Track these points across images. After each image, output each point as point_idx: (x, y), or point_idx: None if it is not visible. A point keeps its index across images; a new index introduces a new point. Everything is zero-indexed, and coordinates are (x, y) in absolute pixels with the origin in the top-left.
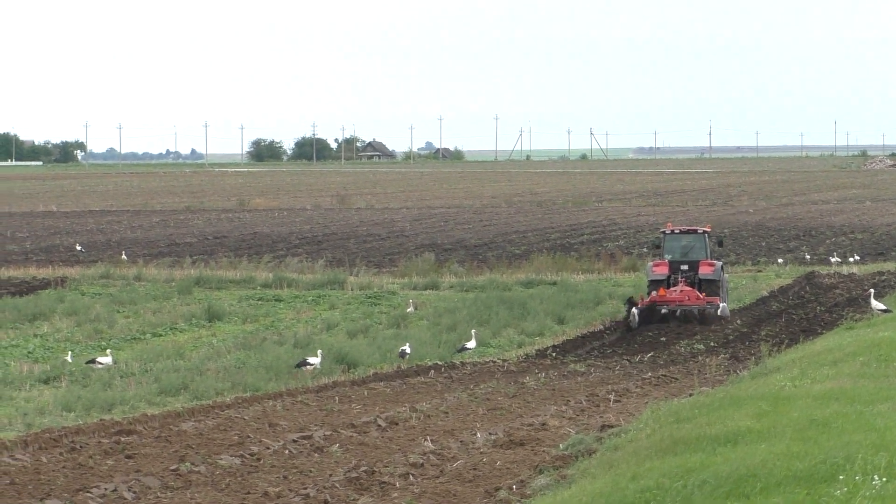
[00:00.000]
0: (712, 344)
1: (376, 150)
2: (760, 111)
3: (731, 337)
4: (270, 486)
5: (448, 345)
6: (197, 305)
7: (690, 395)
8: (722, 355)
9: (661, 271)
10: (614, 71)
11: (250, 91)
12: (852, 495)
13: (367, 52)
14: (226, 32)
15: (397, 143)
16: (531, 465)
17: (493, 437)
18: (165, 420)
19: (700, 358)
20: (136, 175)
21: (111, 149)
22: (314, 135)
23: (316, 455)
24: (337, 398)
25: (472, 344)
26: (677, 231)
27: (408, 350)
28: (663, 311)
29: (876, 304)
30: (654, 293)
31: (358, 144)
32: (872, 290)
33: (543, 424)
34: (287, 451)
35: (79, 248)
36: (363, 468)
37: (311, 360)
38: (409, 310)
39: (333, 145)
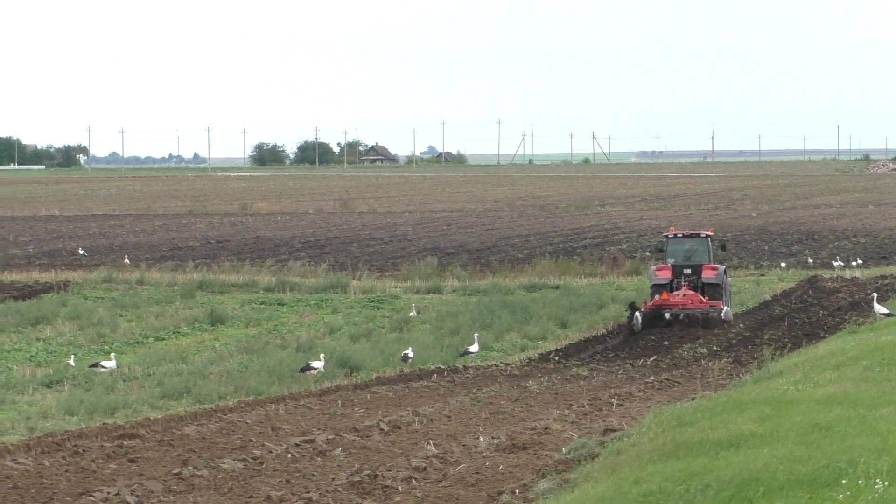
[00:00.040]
0: (715, 348)
1: (379, 154)
2: (763, 115)
3: (733, 341)
4: (273, 490)
5: (451, 349)
6: (200, 309)
7: (693, 398)
8: (725, 359)
9: (664, 275)
10: (617, 75)
11: (253, 95)
12: (855, 499)
13: (370, 56)
14: (228, 36)
15: (400, 147)
16: (534, 469)
17: (495, 441)
18: (168, 424)
19: (703, 362)
20: (139, 179)
21: (114, 153)
22: (317, 139)
23: (318, 459)
24: (340, 402)
25: (474, 348)
26: (680, 235)
27: (410, 354)
28: (667, 315)
29: (879, 308)
30: (657, 297)
31: (360, 148)
32: (875, 294)
33: (546, 428)
34: (290, 455)
35: (81, 252)
36: (366, 472)
37: (315, 364)
38: (411, 314)
39: (336, 149)
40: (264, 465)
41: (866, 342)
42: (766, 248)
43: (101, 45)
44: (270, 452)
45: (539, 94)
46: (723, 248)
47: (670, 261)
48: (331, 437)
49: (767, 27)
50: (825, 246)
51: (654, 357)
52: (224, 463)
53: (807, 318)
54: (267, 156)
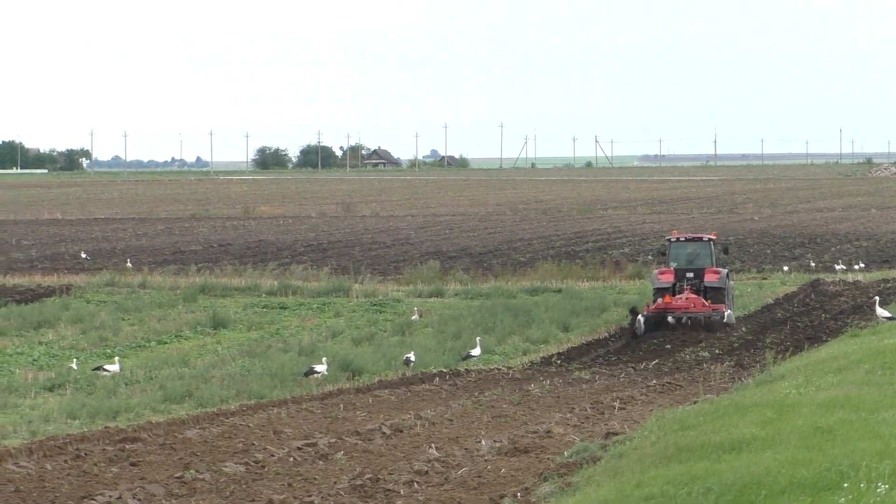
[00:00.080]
0: (717, 351)
1: (381, 158)
2: (765, 119)
3: (735, 344)
4: (275, 493)
5: (453, 352)
6: (202, 313)
7: (695, 402)
8: (727, 363)
9: (667, 279)
10: (619, 78)
11: (255, 99)
12: (857, 503)
13: (373, 60)
14: (231, 41)
15: (402, 151)
16: (536, 472)
17: (497, 445)
18: (170, 427)
19: (705, 365)
20: (142, 183)
21: (116, 156)
22: (319, 142)
23: (320, 462)
24: (342, 405)
25: (476, 351)
26: (683, 239)
27: (412, 357)
28: (670, 319)
29: (881, 312)
30: (659, 300)
31: (363, 152)
32: (877, 298)
33: (548, 432)
34: (292, 459)
35: (84, 255)
36: (368, 476)
37: (318, 367)
38: (413, 317)
39: (338, 153)
40: (266, 469)
41: (868, 346)
42: (769, 251)
43: (103, 48)
44: (272, 456)
45: (541, 97)
46: (725, 251)
47: (673, 264)
48: (333, 440)
49: (770, 30)
50: (827, 249)
51: (656, 360)
52: (226, 466)
53: (809, 321)
54: (269, 159)
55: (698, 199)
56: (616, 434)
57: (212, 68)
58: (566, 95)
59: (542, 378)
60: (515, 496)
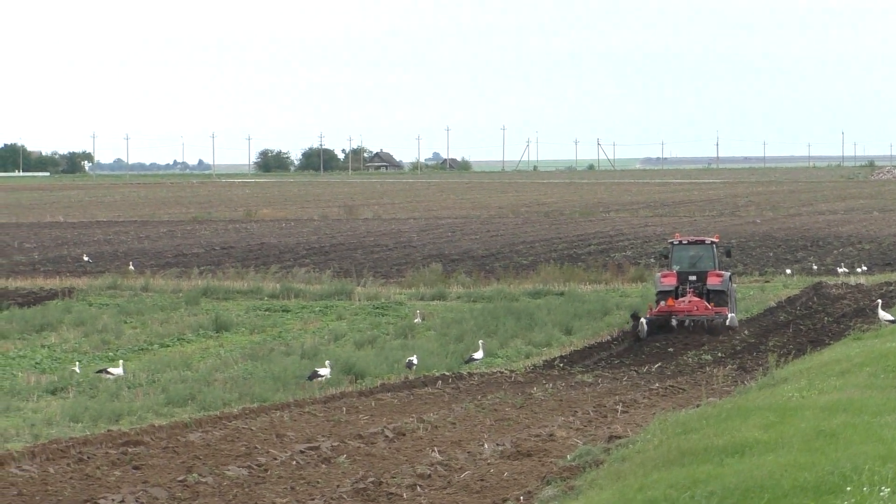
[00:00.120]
0: (720, 355)
1: (383, 161)
2: (768, 121)
3: (738, 347)
4: (278, 497)
5: (455, 355)
6: (204, 316)
7: (698, 405)
8: (729, 366)
9: (670, 282)
10: (622, 81)
11: (257, 101)
12: None
13: (375, 63)
14: (233, 43)
15: (404, 154)
16: (538, 476)
17: (500, 448)
18: (173, 431)
19: (707, 369)
20: (144, 186)
21: (118, 159)
22: (321, 145)
23: (323, 466)
24: (344, 409)
25: (479, 354)
26: (685, 242)
27: (415, 361)
28: (674, 322)
29: (883, 315)
30: (662, 303)
31: (365, 155)
32: (880, 301)
33: (551, 435)
34: (294, 462)
35: (86, 258)
36: (370, 479)
37: (322, 371)
38: (416, 320)
39: (341, 156)
40: (269, 472)
41: (871, 349)
42: (771, 254)
43: (105, 51)
44: (275, 459)
45: (543, 100)
46: (728, 254)
47: (675, 267)
48: (335, 444)
49: (772, 33)
50: (830, 252)
51: (659, 364)
52: (229, 470)
53: (811, 324)
54: (271, 162)
55: (700, 201)
56: (619, 437)
57: (214, 71)
58: (568, 98)
59: (544, 381)
60: (518, 500)
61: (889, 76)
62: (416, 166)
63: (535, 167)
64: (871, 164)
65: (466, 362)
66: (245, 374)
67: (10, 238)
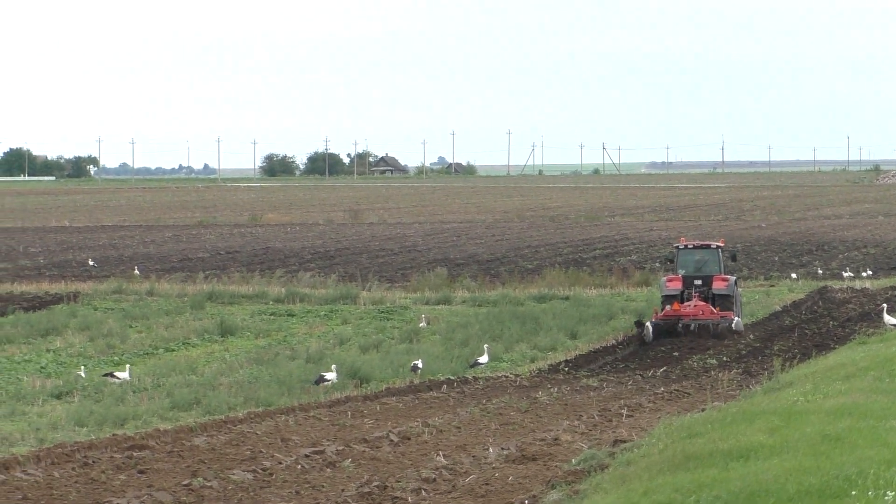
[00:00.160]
0: (725, 359)
1: (389, 165)
2: (773, 126)
3: (743, 352)
4: (283, 500)
5: (460, 360)
6: (209, 320)
7: (703, 410)
8: (734, 370)
9: (675, 286)
10: (627, 86)
11: (263, 106)
12: None
13: (380, 68)
14: (238, 48)
15: (410, 158)
16: (543, 480)
17: (505, 452)
18: (178, 435)
19: (713, 373)
20: (149, 190)
21: (124, 164)
22: (327, 150)
23: (328, 470)
24: (349, 413)
25: (484, 359)
26: (691, 246)
27: (420, 364)
28: (679, 327)
29: (889, 319)
30: (668, 307)
31: (370, 159)
32: (885, 305)
33: (556, 439)
34: (299, 466)
35: (91, 263)
36: (375, 483)
37: (328, 375)
38: (421, 325)
39: (346, 160)
40: (274, 477)
41: (876, 353)
42: (776, 258)
43: (111, 56)
44: (280, 464)
45: (549, 104)
46: (733, 258)
47: (681, 272)
48: (340, 448)
49: (777, 38)
50: (835, 257)
51: (664, 368)
52: (234, 474)
53: (817, 328)
54: (277, 167)
55: (705, 206)
56: (624, 441)
57: (219, 76)
58: (574, 103)
59: (549, 385)
60: None
61: (895, 80)
62: (421, 170)
63: (540, 171)
64: (876, 169)
65: (471, 366)
66: (250, 378)
67: (15, 242)
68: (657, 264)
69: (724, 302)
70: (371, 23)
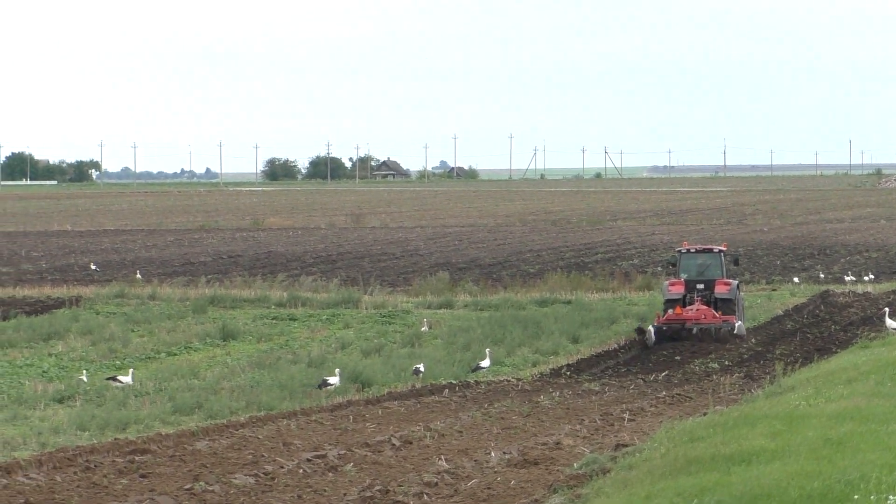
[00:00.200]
0: (727, 363)
1: (391, 169)
2: (775, 130)
3: (745, 356)
4: None
5: (462, 364)
6: (211, 324)
7: (705, 414)
8: (736, 374)
9: (677, 290)
10: (629, 90)
11: (265, 110)
12: None
13: (382, 72)
14: (240, 52)
15: (412, 162)
16: (545, 484)
17: (507, 457)
18: (180, 439)
19: (714, 377)
20: (151, 194)
21: (126, 168)
22: (328, 154)
23: (330, 474)
24: (351, 417)
25: (486, 363)
26: (693, 250)
27: (422, 368)
28: (694, 330)
29: (891, 323)
30: (670, 311)
31: (372, 163)
32: (887, 309)
33: (558, 443)
34: (301, 471)
35: (93, 267)
36: (377, 487)
37: (331, 380)
38: (423, 329)
39: (348, 164)
40: (276, 481)
41: (878, 357)
42: (778, 262)
43: (113, 60)
44: (282, 468)
45: (551, 108)
46: (736, 262)
47: (683, 276)
48: (342, 452)
49: (779, 42)
50: (837, 261)
51: (666, 372)
52: (235, 478)
53: (819, 332)
54: (279, 171)
55: (707, 210)
56: (626, 446)
57: (221, 80)
58: (575, 106)
59: (551, 390)
60: None
61: None
62: (423, 175)
63: (542, 175)
64: (878, 173)
65: (473, 371)
66: (252, 382)
67: (17, 247)
68: (659, 268)
69: (727, 306)
70: (373, 27)
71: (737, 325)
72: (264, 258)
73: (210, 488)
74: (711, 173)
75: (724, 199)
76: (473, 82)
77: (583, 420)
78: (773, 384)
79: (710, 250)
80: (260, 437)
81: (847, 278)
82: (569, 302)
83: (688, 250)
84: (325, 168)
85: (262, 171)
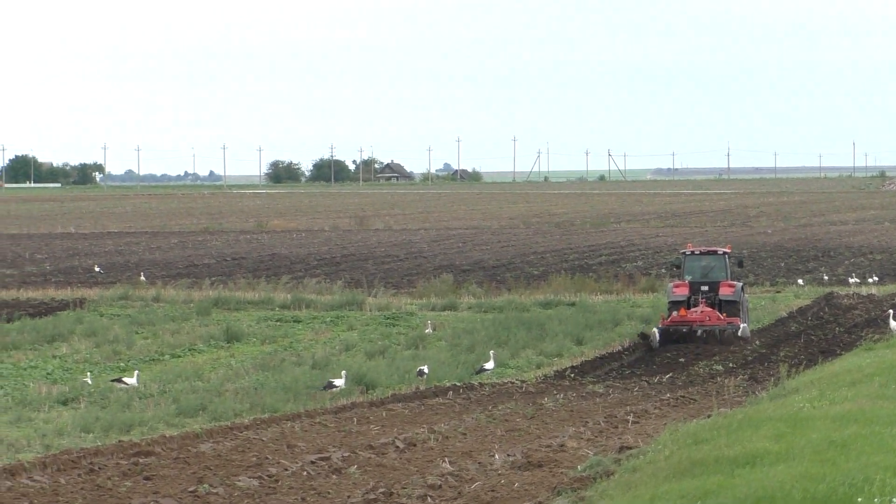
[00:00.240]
0: (731, 365)
1: (394, 172)
2: (778, 132)
3: (749, 358)
4: None
5: (466, 366)
6: (215, 326)
7: (709, 416)
8: (741, 376)
9: (682, 292)
10: (633, 92)
11: (268, 113)
12: None
13: (386, 74)
14: (243, 54)
15: (415, 165)
16: (549, 486)
17: (511, 459)
18: (184, 441)
19: (719, 379)
20: (155, 197)
21: (129, 170)
22: (332, 156)
23: (334, 476)
24: (355, 419)
25: (490, 365)
26: (697, 252)
27: (426, 371)
28: (700, 333)
29: (895, 325)
30: (675, 313)
31: (376, 166)
32: (891, 311)
33: (562, 446)
34: (305, 473)
35: (97, 269)
36: (381, 490)
37: (337, 381)
38: (427, 331)
39: (351, 167)
40: (280, 483)
41: (882, 359)
42: (782, 264)
43: (116, 63)
44: (286, 470)
45: (554, 111)
46: (740, 265)
47: (688, 277)
48: (346, 454)
49: (782, 44)
50: (841, 263)
51: (670, 374)
52: (239, 480)
53: (823, 335)
54: (282, 173)
55: (711, 212)
56: (630, 448)
57: (225, 82)
58: (579, 109)
59: (555, 392)
60: None
61: None
62: (426, 177)
63: (546, 178)
64: (882, 175)
65: (477, 373)
66: (256, 384)
67: (21, 249)
68: (663, 270)
69: (731, 308)
70: (376, 29)
71: (741, 327)
72: (268, 260)
73: (214, 490)
74: (715, 175)
75: (727, 202)
76: (477, 85)
77: (587, 422)
78: (778, 386)
79: (715, 252)
80: (264, 439)
81: (851, 280)
82: (573, 304)
83: (692, 252)
84: (328, 170)
85: (266, 174)
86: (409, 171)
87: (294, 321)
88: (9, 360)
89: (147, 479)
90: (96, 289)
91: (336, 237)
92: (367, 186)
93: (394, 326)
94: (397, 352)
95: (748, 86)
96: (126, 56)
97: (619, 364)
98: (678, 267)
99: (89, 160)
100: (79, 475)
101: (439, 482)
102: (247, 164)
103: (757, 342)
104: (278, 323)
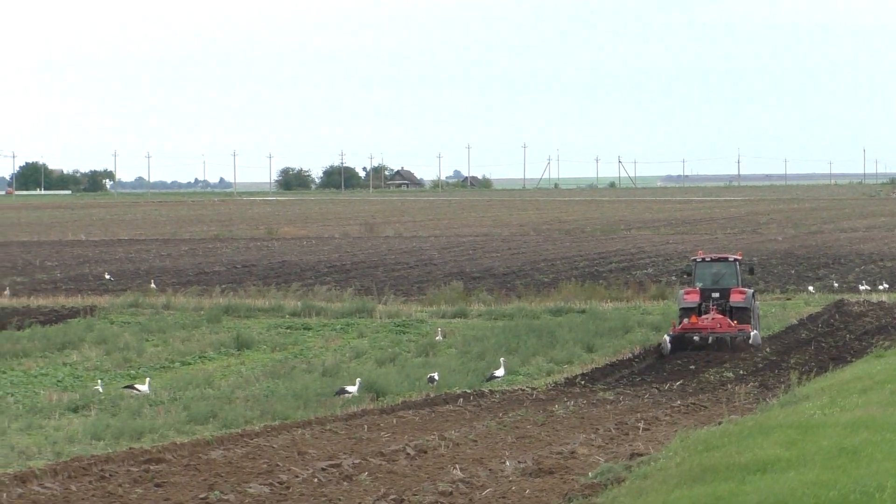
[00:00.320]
0: (741, 372)
1: (404, 179)
2: (789, 139)
3: (760, 365)
4: None
5: (477, 373)
6: (226, 334)
7: (720, 423)
8: (751, 383)
9: (693, 299)
10: (643, 99)
11: (279, 120)
12: None
13: (395, 81)
14: (254, 62)
15: (425, 172)
16: (560, 493)
17: (521, 466)
18: (194, 448)
19: (729, 386)
20: (165, 204)
21: (140, 178)
22: (342, 163)
23: (345, 483)
24: (366, 426)
25: (500, 372)
26: (708, 259)
27: (436, 378)
28: (696, 338)
29: None
30: (686, 320)
31: (386, 173)
32: None
33: (572, 453)
34: (316, 480)
35: (108, 276)
36: (392, 497)
37: (350, 388)
38: (437, 338)
39: (362, 174)
40: (290, 490)
41: (893, 366)
42: (793, 272)
43: (126, 70)
44: (297, 477)
45: (565, 118)
46: (751, 272)
47: (699, 284)
48: (357, 461)
49: (793, 51)
50: (851, 270)
51: (681, 381)
52: (250, 488)
53: (833, 342)
54: (293, 180)
55: (722, 219)
56: (640, 455)
57: (235, 89)
58: (589, 116)
59: (566, 399)
60: None
61: None
62: (437, 184)
63: (556, 185)
64: (892, 182)
65: (488, 380)
66: (266, 391)
67: (32, 256)
68: (673, 277)
69: (742, 315)
70: (386, 37)
71: (752, 334)
72: (278, 268)
73: (225, 497)
74: (725, 182)
75: (738, 209)
76: (487, 92)
77: (597, 429)
78: (788, 393)
79: (726, 259)
80: (274, 446)
81: (862, 287)
82: (583, 311)
83: (703, 259)
84: (338, 178)
85: (276, 181)
86: (419, 178)
87: (304, 328)
88: (19, 367)
89: (158, 486)
90: (107, 296)
91: (346, 244)
92: (378, 193)
93: (404, 334)
94: (407, 359)
95: (758, 92)
96: (136, 63)
97: (629, 371)
98: (689, 274)
99: (100, 167)
100: (89, 482)
101: (450, 489)
102: (257, 172)
103: (767, 349)
104: (288, 330)
